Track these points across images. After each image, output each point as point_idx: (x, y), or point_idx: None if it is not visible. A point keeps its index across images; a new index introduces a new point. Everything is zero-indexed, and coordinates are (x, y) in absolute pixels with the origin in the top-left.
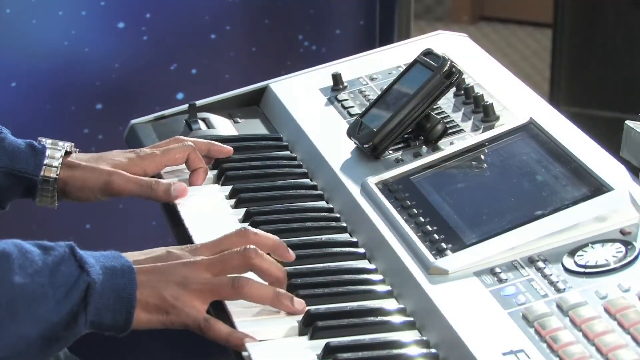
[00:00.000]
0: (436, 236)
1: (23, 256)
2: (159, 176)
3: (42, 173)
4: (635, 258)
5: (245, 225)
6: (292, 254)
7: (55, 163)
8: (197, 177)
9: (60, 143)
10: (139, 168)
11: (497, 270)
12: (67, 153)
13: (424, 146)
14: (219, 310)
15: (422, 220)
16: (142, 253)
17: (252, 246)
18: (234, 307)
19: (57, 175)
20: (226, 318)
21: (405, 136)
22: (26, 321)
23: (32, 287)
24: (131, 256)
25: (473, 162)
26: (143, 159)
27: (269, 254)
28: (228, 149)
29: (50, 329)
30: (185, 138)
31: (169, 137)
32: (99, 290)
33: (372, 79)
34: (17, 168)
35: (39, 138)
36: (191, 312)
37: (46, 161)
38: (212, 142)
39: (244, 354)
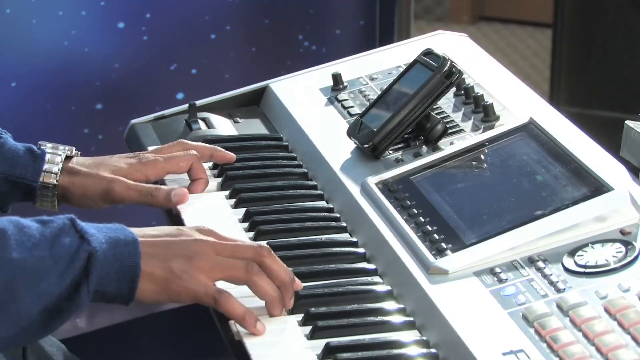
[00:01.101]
0: (436, 236)
1: (20, 231)
2: (162, 183)
3: (41, 179)
4: (635, 258)
5: (246, 225)
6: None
7: (55, 169)
8: (196, 187)
9: (61, 147)
10: (141, 174)
11: (497, 270)
12: (68, 158)
13: (424, 146)
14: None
15: (422, 220)
16: (154, 229)
17: (266, 245)
18: None
19: (56, 181)
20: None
21: (405, 136)
22: (27, 298)
23: (31, 262)
24: (141, 230)
25: (473, 162)
26: (145, 164)
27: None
28: (231, 155)
29: (52, 302)
30: (190, 142)
31: (169, 137)
32: (101, 259)
33: (372, 79)
34: (16, 174)
35: (39, 142)
36: (200, 284)
37: (45, 167)
38: (216, 147)
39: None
